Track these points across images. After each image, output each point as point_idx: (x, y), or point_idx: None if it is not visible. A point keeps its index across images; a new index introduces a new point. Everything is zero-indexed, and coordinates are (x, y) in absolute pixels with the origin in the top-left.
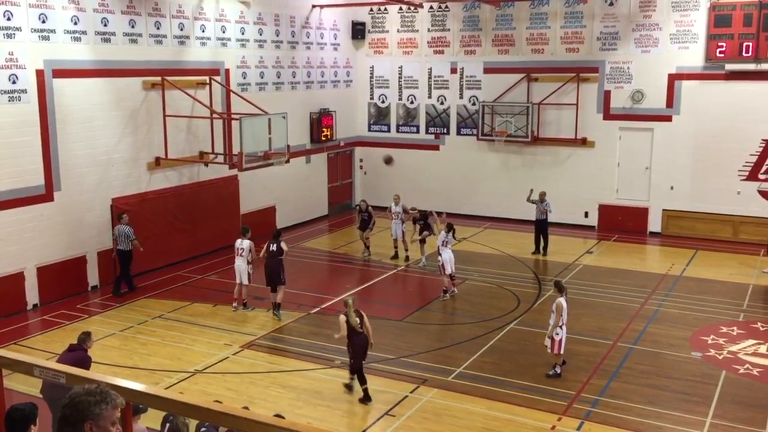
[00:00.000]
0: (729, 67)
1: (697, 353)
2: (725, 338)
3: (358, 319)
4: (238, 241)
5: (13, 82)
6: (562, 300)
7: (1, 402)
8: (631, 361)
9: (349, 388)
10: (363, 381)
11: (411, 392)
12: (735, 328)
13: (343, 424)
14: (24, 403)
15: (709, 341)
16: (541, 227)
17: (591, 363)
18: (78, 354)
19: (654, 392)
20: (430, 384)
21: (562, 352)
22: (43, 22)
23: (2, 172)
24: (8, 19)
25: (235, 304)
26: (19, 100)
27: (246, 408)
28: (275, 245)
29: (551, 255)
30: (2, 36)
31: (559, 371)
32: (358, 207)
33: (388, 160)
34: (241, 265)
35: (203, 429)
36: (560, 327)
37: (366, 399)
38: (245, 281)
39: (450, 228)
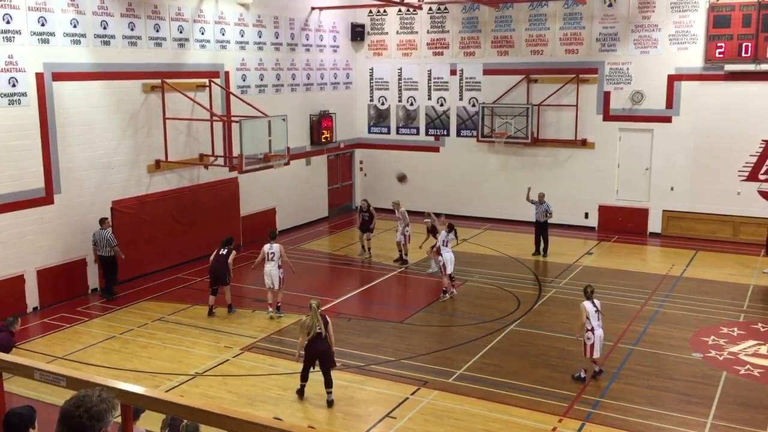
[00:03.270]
0: (728, 67)
1: (697, 354)
2: (726, 339)
3: (321, 324)
4: (267, 245)
5: (13, 85)
6: None
7: (1, 405)
8: (632, 362)
9: (299, 393)
10: (328, 384)
11: (411, 394)
12: (735, 328)
13: (344, 427)
14: (22, 406)
15: (710, 342)
16: (542, 229)
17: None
18: (1, 335)
19: (655, 393)
20: (430, 386)
21: None
22: (43, 25)
23: (2, 175)
24: (8, 22)
25: (270, 310)
26: (19, 103)
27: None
28: (225, 249)
29: (551, 256)
30: (2, 39)
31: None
32: (359, 207)
33: (402, 178)
34: (272, 270)
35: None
36: None
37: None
38: (276, 286)
39: (451, 228)
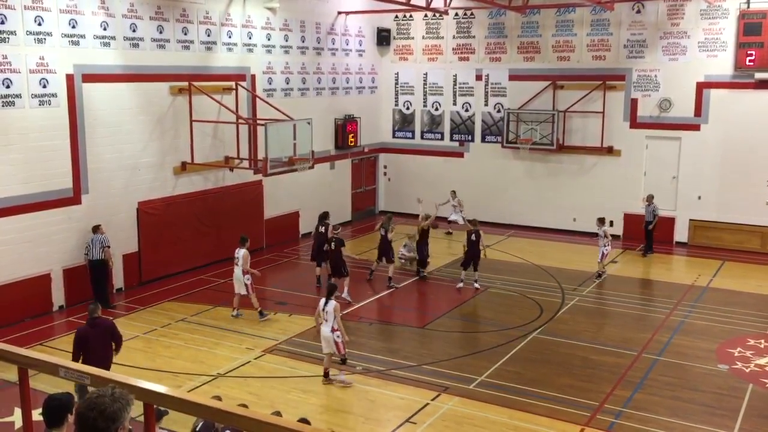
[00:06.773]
0: (759, 75)
1: (723, 366)
2: (752, 351)
3: None
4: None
5: (44, 87)
6: None
7: (27, 401)
8: (656, 372)
9: None
10: None
11: (432, 400)
12: (762, 340)
13: (364, 431)
14: (61, 393)
15: (736, 354)
16: (646, 229)
17: (615, 374)
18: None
19: (679, 405)
20: (451, 392)
21: None
22: (73, 27)
23: (32, 175)
24: (39, 24)
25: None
26: (49, 104)
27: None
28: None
29: (575, 264)
30: (33, 41)
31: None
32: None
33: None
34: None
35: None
36: None
37: None
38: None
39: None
